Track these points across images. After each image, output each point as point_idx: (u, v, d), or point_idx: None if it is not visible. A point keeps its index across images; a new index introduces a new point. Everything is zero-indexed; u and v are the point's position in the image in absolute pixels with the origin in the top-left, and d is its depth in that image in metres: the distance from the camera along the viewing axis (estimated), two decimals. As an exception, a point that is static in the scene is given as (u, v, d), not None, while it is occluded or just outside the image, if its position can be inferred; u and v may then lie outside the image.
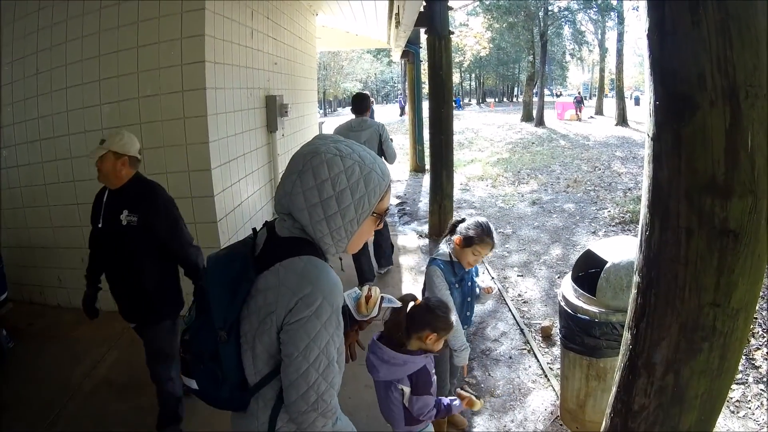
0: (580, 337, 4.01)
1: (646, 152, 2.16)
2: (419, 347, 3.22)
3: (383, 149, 7.32)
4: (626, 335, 2.47)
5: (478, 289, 4.25)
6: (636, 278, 2.33)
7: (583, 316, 3.94)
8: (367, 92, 8.18)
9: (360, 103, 7.42)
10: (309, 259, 1.93)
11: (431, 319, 3.18)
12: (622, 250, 4.00)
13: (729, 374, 2.30)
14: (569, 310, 4.08)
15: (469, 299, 4.16)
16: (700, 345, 2.17)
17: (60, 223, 6.85)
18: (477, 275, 4.33)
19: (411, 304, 3.21)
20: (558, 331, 5.66)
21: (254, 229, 2.14)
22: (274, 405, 2.03)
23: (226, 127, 6.69)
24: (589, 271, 4.34)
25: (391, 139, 7.65)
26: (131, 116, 6.21)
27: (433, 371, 3.37)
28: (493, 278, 8.07)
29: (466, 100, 62.77)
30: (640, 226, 2.28)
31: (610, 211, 12.05)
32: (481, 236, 3.89)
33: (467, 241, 3.93)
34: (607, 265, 3.87)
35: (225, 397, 2.01)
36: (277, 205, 2.05)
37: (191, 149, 6.19)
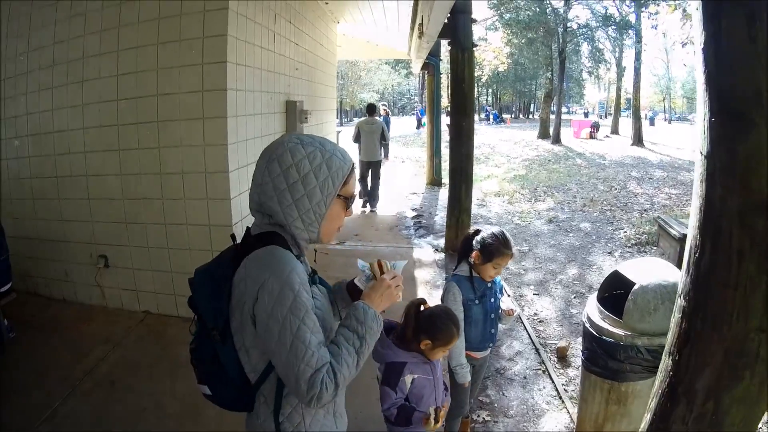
0: (603, 359, 3.90)
1: (698, 170, 2.06)
2: (418, 350, 3.24)
3: (384, 134, 13.13)
4: (666, 361, 2.36)
5: (506, 304, 4.15)
6: (681, 302, 2.22)
7: (607, 339, 3.83)
8: (374, 102, 15.87)
9: (371, 109, 13.68)
10: (269, 248, 2.02)
11: (429, 326, 3.20)
12: (650, 271, 3.88)
13: (765, 402, 2.21)
14: (593, 332, 3.96)
15: (492, 316, 4.06)
16: (742, 372, 2.07)
17: (70, 216, 6.81)
18: (502, 293, 4.21)
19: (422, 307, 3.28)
20: (574, 352, 5.59)
21: (232, 235, 2.21)
22: (274, 401, 2.09)
23: (246, 130, 6.62)
24: (614, 292, 4.23)
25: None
26: (148, 113, 6.16)
27: (431, 382, 3.35)
28: (509, 295, 7.97)
29: (483, 115, 62.62)
30: (687, 248, 2.17)
31: (626, 232, 11.96)
32: (499, 248, 3.83)
33: (486, 256, 3.86)
34: (635, 287, 3.75)
35: (233, 398, 2.11)
36: (250, 203, 2.15)
37: (209, 150, 6.12)
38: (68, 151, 6.63)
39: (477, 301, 3.95)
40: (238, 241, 2.18)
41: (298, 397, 1.99)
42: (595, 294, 4.32)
